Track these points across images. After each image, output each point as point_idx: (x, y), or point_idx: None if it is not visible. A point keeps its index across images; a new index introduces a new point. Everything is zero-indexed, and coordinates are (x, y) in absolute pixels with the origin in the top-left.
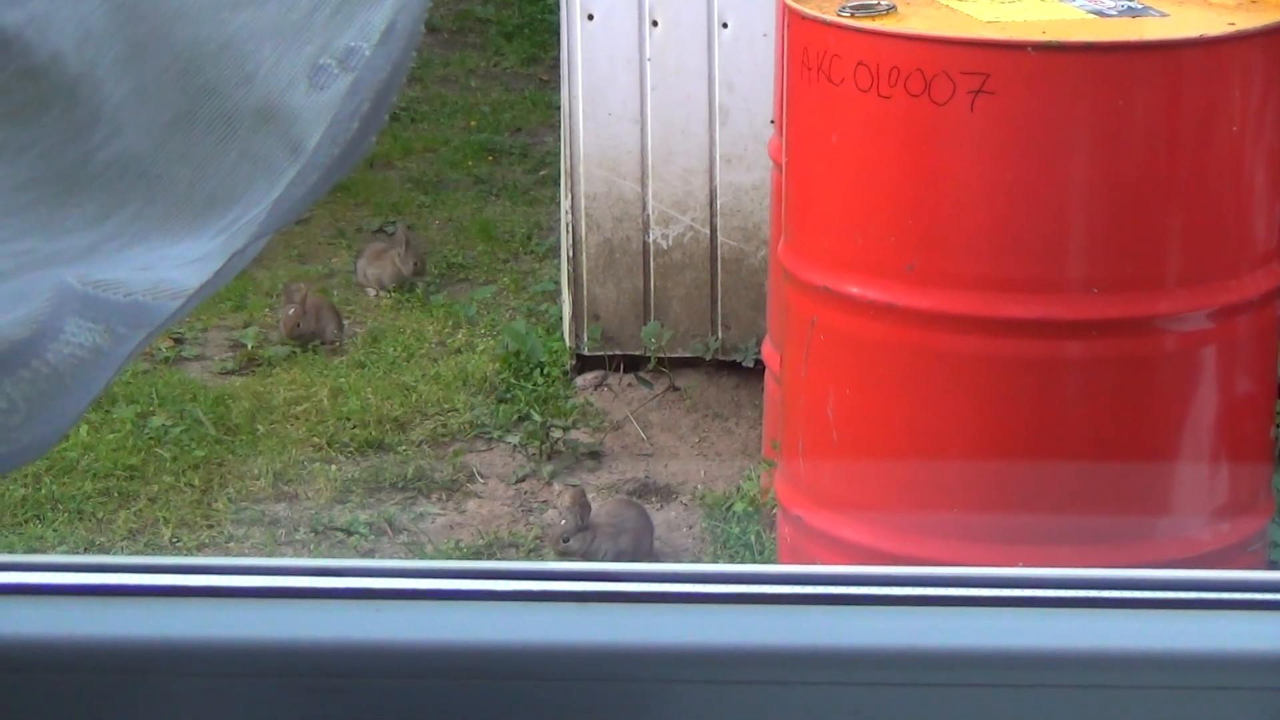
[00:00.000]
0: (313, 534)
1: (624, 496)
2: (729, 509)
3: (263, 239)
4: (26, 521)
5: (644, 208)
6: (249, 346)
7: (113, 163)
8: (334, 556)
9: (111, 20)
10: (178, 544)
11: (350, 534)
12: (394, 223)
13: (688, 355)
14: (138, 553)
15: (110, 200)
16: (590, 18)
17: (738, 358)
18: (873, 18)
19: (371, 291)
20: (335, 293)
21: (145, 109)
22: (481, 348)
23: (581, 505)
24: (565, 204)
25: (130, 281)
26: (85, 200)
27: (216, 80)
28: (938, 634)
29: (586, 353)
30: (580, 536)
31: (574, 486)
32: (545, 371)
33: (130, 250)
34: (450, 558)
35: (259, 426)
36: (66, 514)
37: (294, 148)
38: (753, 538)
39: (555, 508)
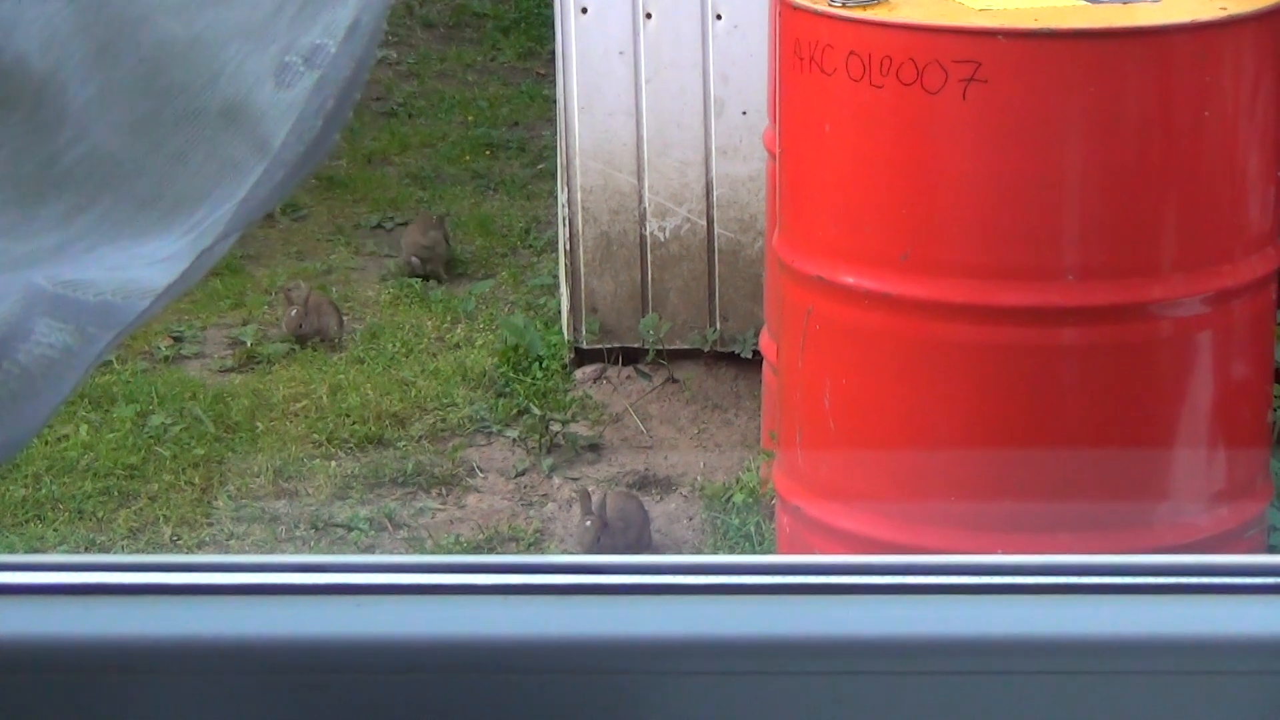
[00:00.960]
0: (313, 530)
1: (622, 489)
2: (729, 500)
3: (230, 238)
4: (27, 521)
5: (640, 200)
6: (248, 344)
7: (80, 163)
8: (334, 553)
9: (77, 21)
10: (178, 542)
11: (350, 530)
12: (393, 220)
13: (686, 347)
14: (138, 551)
15: (78, 201)
16: (584, 11)
17: (736, 349)
18: (864, 7)
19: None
20: (334, 289)
21: (112, 109)
22: (480, 342)
23: (598, 505)
24: (562, 198)
25: (100, 281)
26: (53, 201)
27: (183, 80)
28: (936, 622)
29: (585, 346)
30: (605, 533)
31: (584, 491)
32: (544, 365)
33: (99, 250)
34: (450, 552)
35: (258, 424)
36: (67, 513)
37: (260, 146)
38: (752, 528)
39: (554, 501)
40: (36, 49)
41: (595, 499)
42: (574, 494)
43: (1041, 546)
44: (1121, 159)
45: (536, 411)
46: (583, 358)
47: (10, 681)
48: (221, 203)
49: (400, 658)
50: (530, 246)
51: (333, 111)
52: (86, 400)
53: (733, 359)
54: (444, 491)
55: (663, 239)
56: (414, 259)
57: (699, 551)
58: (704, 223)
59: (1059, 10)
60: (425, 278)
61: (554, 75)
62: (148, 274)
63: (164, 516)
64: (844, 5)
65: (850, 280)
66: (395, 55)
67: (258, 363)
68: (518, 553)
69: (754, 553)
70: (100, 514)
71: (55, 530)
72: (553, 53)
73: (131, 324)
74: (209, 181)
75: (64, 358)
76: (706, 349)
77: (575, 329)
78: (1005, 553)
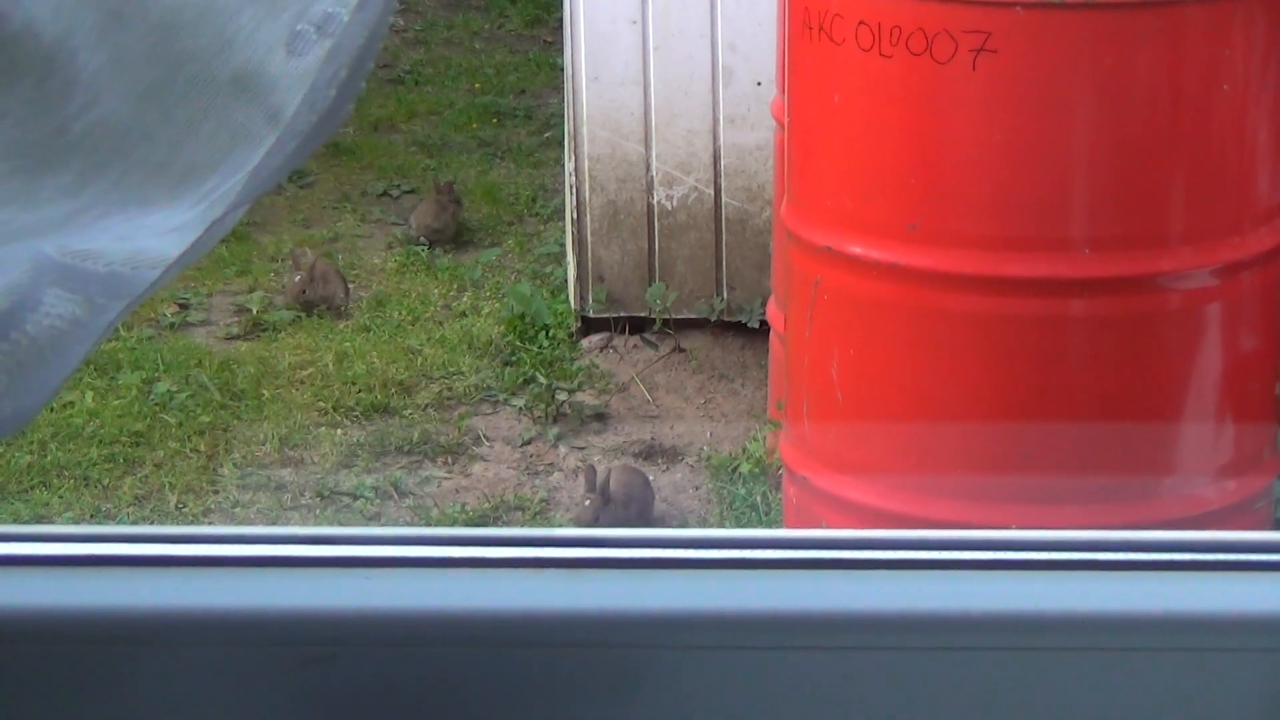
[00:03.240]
0: (318, 499)
1: (627, 462)
2: (735, 470)
3: (241, 208)
4: (32, 488)
5: (648, 169)
6: (254, 311)
7: (90, 132)
8: (339, 521)
9: None
10: (183, 510)
11: (356, 498)
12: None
13: (693, 316)
14: (144, 519)
15: (88, 170)
16: None
17: (743, 318)
18: None
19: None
20: (340, 257)
21: (122, 77)
22: (486, 311)
23: (602, 482)
24: (569, 166)
25: (109, 252)
26: (62, 170)
27: (194, 48)
28: (944, 598)
29: (591, 315)
30: (606, 510)
31: (589, 466)
32: (550, 334)
33: (108, 220)
34: (456, 521)
35: (264, 392)
36: (72, 481)
37: (272, 115)
38: (759, 499)
39: (560, 470)
40: (46, 15)
41: (600, 475)
42: (580, 463)
43: (1048, 518)
44: (1131, 130)
45: (542, 380)
46: (589, 326)
47: (17, 652)
48: (232, 172)
49: (406, 631)
50: (537, 215)
51: (345, 81)
52: (92, 367)
53: (739, 328)
54: (450, 460)
55: (670, 208)
56: (422, 239)
57: (705, 521)
58: (711, 192)
59: None
60: (432, 245)
61: (561, 43)
62: (157, 244)
63: (169, 484)
64: None
65: (858, 250)
66: (402, 22)
67: (264, 330)
68: (523, 521)
69: (760, 523)
70: (106, 481)
71: (60, 497)
72: (560, 20)
73: (141, 295)
74: (220, 151)
75: (72, 329)
76: (713, 318)
77: (582, 298)
78: (1012, 525)
